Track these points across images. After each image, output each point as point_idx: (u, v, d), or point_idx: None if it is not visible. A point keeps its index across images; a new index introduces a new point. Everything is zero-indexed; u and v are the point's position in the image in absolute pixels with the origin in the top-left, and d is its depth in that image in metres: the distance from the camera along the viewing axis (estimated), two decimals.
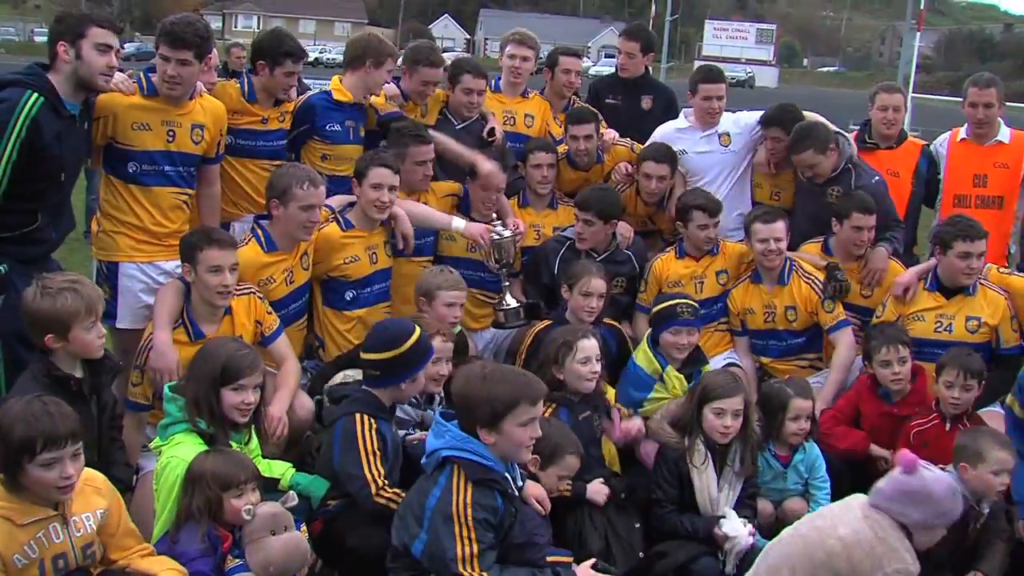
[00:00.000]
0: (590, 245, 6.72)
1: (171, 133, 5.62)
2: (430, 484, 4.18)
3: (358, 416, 4.65)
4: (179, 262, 5.34)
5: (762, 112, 7.28)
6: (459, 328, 6.05)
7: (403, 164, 6.33)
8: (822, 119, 7.14)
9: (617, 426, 5.56)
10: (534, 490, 4.70)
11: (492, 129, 7.16)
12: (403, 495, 4.45)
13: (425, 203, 6.64)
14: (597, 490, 5.09)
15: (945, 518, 4.06)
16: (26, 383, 4.36)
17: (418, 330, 4.94)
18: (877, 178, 6.82)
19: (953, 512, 4.08)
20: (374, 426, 4.63)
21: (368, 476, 4.52)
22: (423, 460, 4.32)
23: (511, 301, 6.51)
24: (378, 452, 4.58)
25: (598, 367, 5.40)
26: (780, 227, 6.42)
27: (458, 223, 6.37)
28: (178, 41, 5.44)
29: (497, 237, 6.35)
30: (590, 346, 5.37)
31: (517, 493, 4.29)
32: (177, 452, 4.36)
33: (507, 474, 4.20)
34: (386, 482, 4.54)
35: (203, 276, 5.06)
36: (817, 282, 6.45)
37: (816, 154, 6.65)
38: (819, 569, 3.96)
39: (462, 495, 4.04)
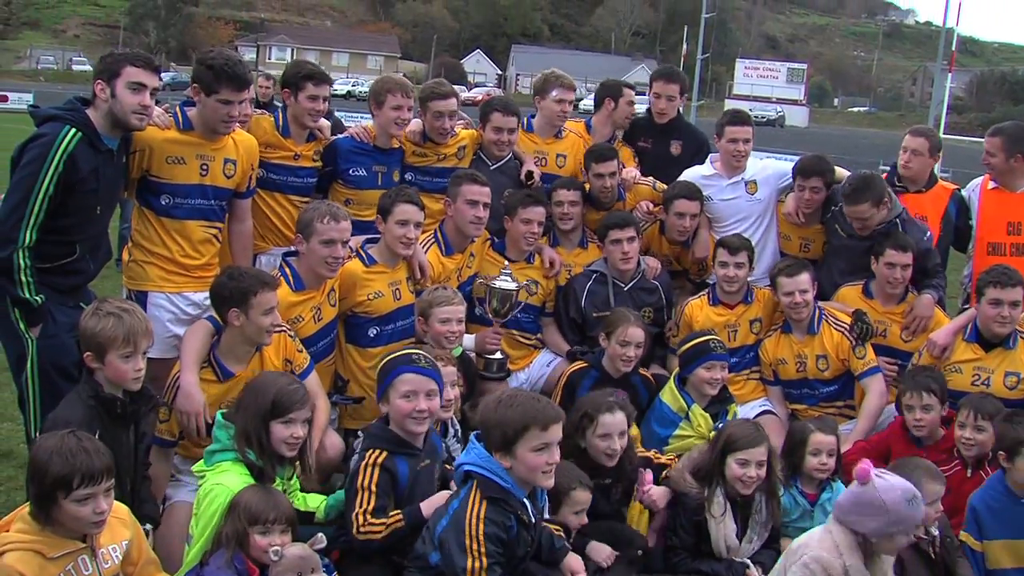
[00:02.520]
0: (635, 263, 6.77)
1: (204, 167, 5.67)
2: (452, 497, 4.30)
3: (368, 452, 4.67)
4: (207, 293, 5.36)
5: (790, 162, 7.23)
6: (460, 349, 6.05)
7: (455, 203, 6.40)
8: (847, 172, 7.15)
9: (645, 480, 5.41)
10: (573, 563, 4.70)
11: (531, 172, 7.16)
12: (386, 523, 4.51)
13: (472, 254, 6.70)
14: (599, 550, 5.03)
15: (902, 525, 4.15)
16: (72, 402, 4.44)
17: (395, 353, 4.93)
18: (927, 236, 6.77)
19: (911, 519, 4.16)
20: (380, 460, 4.62)
21: (352, 514, 4.54)
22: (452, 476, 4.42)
23: (498, 352, 6.48)
24: (375, 489, 4.57)
25: (619, 443, 5.22)
26: (805, 279, 6.41)
27: (468, 341, 6.34)
28: (243, 84, 5.57)
29: (498, 286, 6.36)
30: (612, 422, 5.21)
31: (534, 520, 4.30)
32: (223, 480, 4.39)
33: (525, 501, 4.23)
34: (369, 517, 4.54)
35: (257, 319, 5.03)
36: (847, 328, 6.42)
37: (871, 207, 6.54)
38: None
39: (475, 508, 4.13)
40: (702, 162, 7.70)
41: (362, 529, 4.51)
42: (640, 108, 8.00)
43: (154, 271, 5.67)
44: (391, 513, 4.58)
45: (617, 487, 5.39)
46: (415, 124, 7.00)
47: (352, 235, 5.89)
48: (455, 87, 7.21)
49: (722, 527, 5.07)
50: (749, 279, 6.88)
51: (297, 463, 4.72)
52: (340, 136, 6.81)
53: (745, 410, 6.44)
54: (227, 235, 6.00)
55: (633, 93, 7.89)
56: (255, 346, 5.22)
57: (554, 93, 7.50)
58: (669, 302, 7.00)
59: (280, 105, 6.70)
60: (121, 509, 4.00)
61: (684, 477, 5.28)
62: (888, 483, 4.17)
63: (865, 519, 4.16)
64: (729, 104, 68.51)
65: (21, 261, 4.92)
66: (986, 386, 5.99)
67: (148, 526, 4.52)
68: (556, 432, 4.21)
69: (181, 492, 5.09)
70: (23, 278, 4.93)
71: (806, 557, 4.21)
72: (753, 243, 7.10)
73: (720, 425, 5.84)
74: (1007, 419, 5.21)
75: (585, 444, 5.24)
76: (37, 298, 4.96)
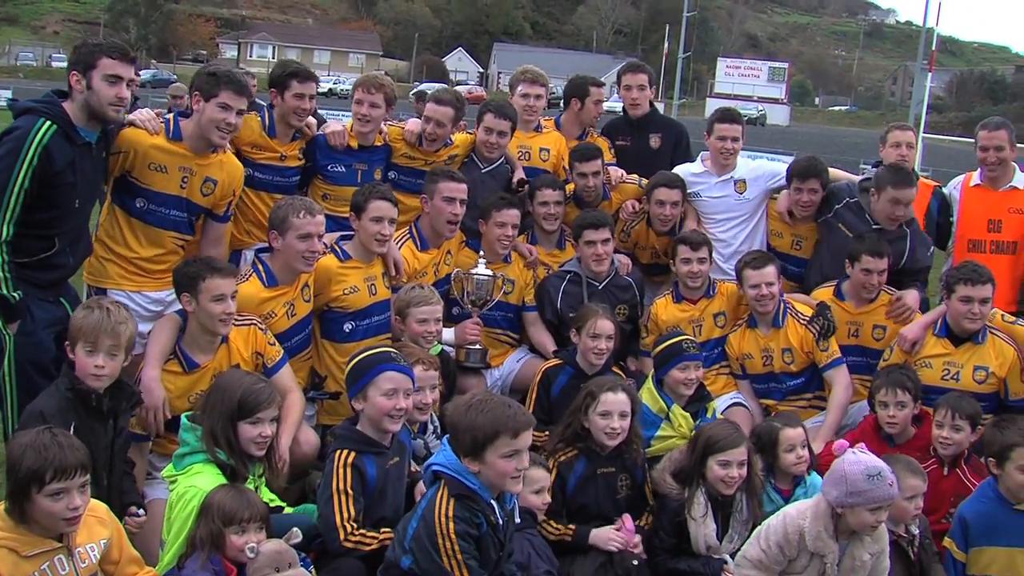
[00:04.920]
0: (608, 264, 6.77)
1: (184, 180, 5.64)
2: (422, 499, 4.30)
3: (337, 452, 4.65)
4: (168, 291, 5.43)
5: (779, 164, 7.25)
6: (440, 348, 6.04)
7: (432, 200, 6.40)
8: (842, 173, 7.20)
9: (625, 527, 5.24)
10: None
11: (522, 180, 7.16)
12: (378, 538, 4.50)
13: (449, 251, 6.69)
14: (605, 538, 5.05)
15: (860, 498, 4.37)
16: (50, 393, 4.46)
17: (372, 351, 4.92)
18: (931, 251, 6.80)
19: (870, 494, 4.37)
20: (350, 460, 4.60)
21: (337, 520, 4.50)
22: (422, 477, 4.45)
23: (478, 344, 6.53)
24: (351, 492, 4.55)
25: (620, 424, 5.22)
26: (771, 271, 6.42)
27: (447, 335, 6.36)
28: (243, 90, 5.59)
29: (474, 275, 6.41)
30: (613, 400, 5.23)
31: (502, 522, 4.28)
32: (195, 482, 4.36)
33: (493, 503, 4.22)
34: (354, 525, 4.52)
35: (206, 305, 5.04)
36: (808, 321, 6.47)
37: (915, 191, 6.66)
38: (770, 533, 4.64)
39: (443, 507, 4.12)
40: (684, 152, 7.77)
41: (351, 538, 4.49)
42: (614, 106, 8.01)
43: (114, 269, 5.65)
44: (383, 529, 4.56)
45: (622, 480, 5.35)
46: (414, 125, 7.01)
47: (329, 231, 5.90)
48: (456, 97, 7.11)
49: (702, 528, 5.07)
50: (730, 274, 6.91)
51: (265, 461, 4.69)
52: (320, 133, 6.80)
53: (717, 402, 6.40)
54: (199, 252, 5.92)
55: (601, 91, 7.88)
56: (215, 336, 5.20)
57: (520, 88, 7.58)
58: (643, 298, 7.01)
59: (262, 104, 6.67)
60: (99, 507, 3.97)
61: (664, 479, 5.28)
62: (856, 457, 4.43)
63: (830, 488, 4.47)
64: (711, 103, 68.72)
65: None
66: (955, 380, 6.03)
67: (142, 513, 4.58)
68: (526, 439, 4.20)
69: (158, 490, 5.05)
70: (0, 274, 4.89)
71: (782, 514, 4.66)
72: (739, 241, 7.15)
73: (701, 424, 5.86)
74: (995, 425, 5.22)
75: (588, 424, 5.25)
76: (15, 294, 4.92)
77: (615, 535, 5.07)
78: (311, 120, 6.68)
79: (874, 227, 6.66)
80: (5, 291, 4.89)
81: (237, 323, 5.28)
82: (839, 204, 6.88)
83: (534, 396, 6.10)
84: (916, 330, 6.24)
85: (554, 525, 5.14)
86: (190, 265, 5.17)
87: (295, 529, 4.32)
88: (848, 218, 6.82)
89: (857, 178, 7.14)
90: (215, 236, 5.99)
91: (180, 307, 5.25)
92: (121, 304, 4.92)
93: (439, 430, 5.56)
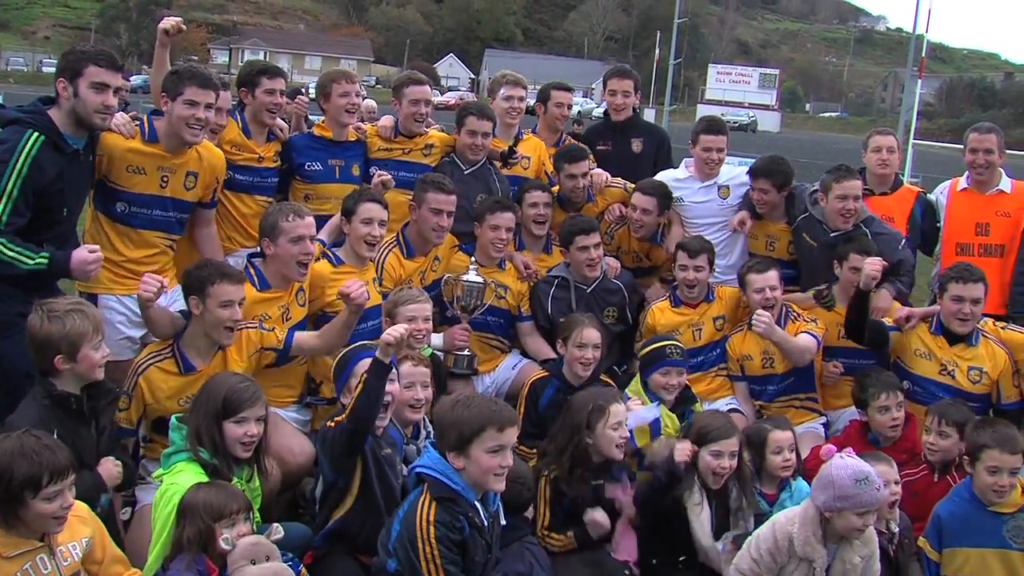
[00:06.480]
0: (600, 268, 6.80)
1: (164, 179, 5.65)
2: (404, 501, 4.34)
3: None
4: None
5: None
6: (430, 350, 6.03)
7: (419, 209, 6.40)
8: None
9: (622, 490, 5.29)
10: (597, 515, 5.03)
11: (512, 150, 7.22)
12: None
13: (437, 258, 6.67)
14: (594, 519, 5.05)
15: (848, 502, 4.37)
16: (27, 404, 4.41)
17: (349, 346, 4.95)
18: (902, 244, 6.77)
19: (858, 498, 4.36)
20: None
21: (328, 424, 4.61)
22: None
23: (466, 349, 6.53)
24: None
25: (627, 433, 5.26)
26: (773, 275, 6.46)
27: (436, 340, 6.36)
28: (208, 83, 5.55)
29: (464, 280, 6.41)
30: (622, 411, 5.24)
31: (486, 524, 4.28)
32: (177, 480, 4.34)
33: (476, 504, 4.24)
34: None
35: (214, 311, 5.02)
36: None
37: (861, 184, 6.74)
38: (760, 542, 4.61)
39: (424, 511, 4.15)
40: (666, 156, 7.83)
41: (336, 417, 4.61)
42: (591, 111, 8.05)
43: (103, 274, 5.59)
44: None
45: (610, 485, 5.29)
46: (387, 120, 7.05)
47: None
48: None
49: (699, 516, 5.05)
50: (722, 279, 6.94)
51: (255, 464, 4.66)
52: (295, 134, 6.84)
53: (704, 407, 6.38)
54: (194, 240, 5.98)
55: (563, 95, 7.93)
56: (215, 343, 5.19)
57: (502, 91, 7.61)
58: (632, 299, 7.02)
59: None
60: (81, 507, 3.96)
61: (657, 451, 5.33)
62: (843, 462, 4.45)
63: (818, 492, 4.47)
64: (701, 109, 68.84)
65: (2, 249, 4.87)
66: (951, 377, 6.07)
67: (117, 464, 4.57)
68: (511, 435, 4.23)
69: (150, 494, 5.00)
70: (12, 254, 4.88)
71: (772, 523, 4.65)
72: (723, 246, 7.17)
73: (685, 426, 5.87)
74: (974, 426, 5.25)
75: (593, 439, 5.14)
76: (42, 258, 4.93)
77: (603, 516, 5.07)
78: (282, 123, 6.73)
79: (832, 234, 6.71)
80: (34, 261, 4.91)
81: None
82: (801, 215, 6.96)
83: (522, 409, 6.04)
84: (911, 311, 6.31)
85: (556, 537, 5.09)
86: (201, 268, 5.13)
87: (276, 525, 4.30)
88: (808, 230, 6.91)
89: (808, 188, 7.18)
90: (204, 220, 6.06)
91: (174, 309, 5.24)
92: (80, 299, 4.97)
93: (431, 434, 5.54)
